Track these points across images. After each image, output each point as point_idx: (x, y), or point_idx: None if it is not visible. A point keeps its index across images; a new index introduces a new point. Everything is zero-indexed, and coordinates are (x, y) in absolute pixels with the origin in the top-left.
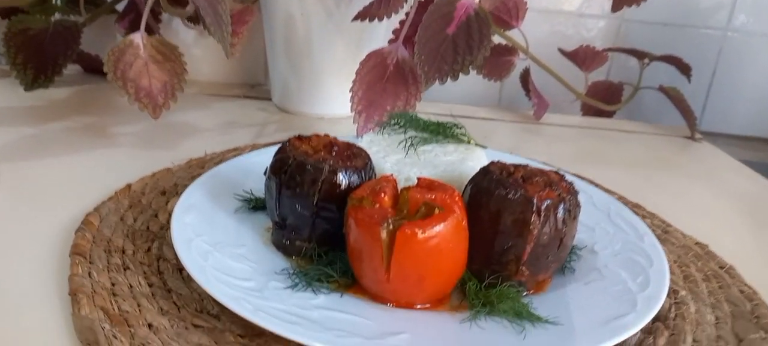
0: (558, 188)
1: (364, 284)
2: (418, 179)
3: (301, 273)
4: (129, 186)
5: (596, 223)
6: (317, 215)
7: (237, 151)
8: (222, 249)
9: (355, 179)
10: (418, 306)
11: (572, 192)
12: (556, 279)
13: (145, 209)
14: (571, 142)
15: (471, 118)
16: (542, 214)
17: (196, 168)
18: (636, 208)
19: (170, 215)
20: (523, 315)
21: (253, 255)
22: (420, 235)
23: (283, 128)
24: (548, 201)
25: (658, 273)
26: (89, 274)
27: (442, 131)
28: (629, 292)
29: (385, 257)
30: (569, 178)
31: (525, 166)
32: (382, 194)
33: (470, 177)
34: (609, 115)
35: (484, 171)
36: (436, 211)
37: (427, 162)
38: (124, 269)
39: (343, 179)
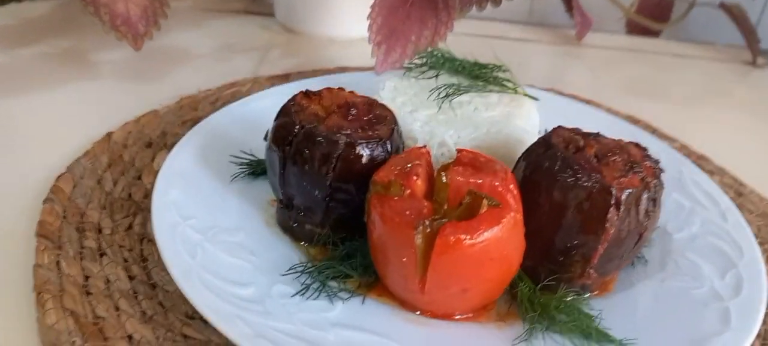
0: (640, 170)
1: (391, 287)
2: (458, 151)
3: (312, 270)
4: (109, 136)
5: (667, 192)
6: (332, 198)
7: (235, 88)
8: (215, 238)
9: (379, 152)
10: (458, 316)
11: (657, 174)
12: (623, 270)
13: (127, 167)
14: (618, 68)
15: (501, 38)
16: (622, 206)
17: (188, 110)
18: (701, 161)
19: (156, 177)
20: (591, 334)
21: (253, 243)
22: (466, 241)
23: (289, 53)
24: (630, 190)
25: (751, 269)
26: (57, 264)
27: (482, 75)
28: (718, 297)
29: (420, 264)
30: (653, 146)
31: (597, 137)
32: (414, 177)
33: (520, 142)
34: (655, 34)
35: (546, 144)
36: (485, 203)
37: (465, 120)
38: (101, 255)
39: (363, 153)
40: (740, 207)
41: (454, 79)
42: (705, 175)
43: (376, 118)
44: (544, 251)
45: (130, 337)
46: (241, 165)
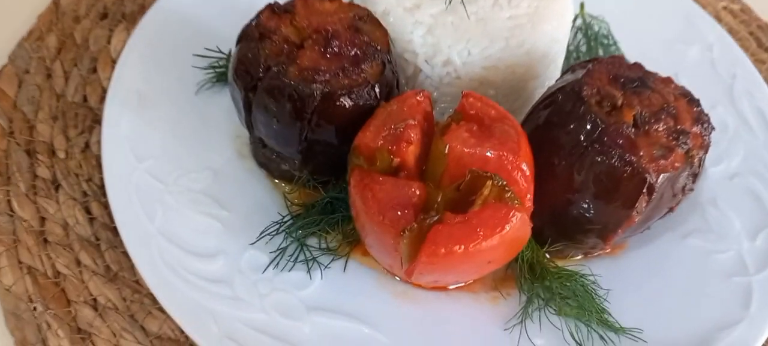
0: (687, 141)
1: (375, 257)
2: (464, 96)
3: (290, 226)
4: (56, 3)
5: (715, 100)
6: (309, 150)
7: None
8: (177, 185)
9: (365, 99)
10: (451, 287)
11: (704, 143)
12: None
13: (81, 52)
14: None
15: None
16: (656, 193)
17: None
18: (763, 32)
19: (114, 66)
20: (591, 318)
21: (223, 188)
22: (459, 250)
23: None
24: (667, 174)
25: None
26: (8, 203)
27: None
28: (743, 268)
29: (406, 259)
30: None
31: (640, 86)
32: (405, 144)
33: (545, 57)
34: None
35: (575, 95)
36: (489, 185)
37: (479, 26)
38: (56, 188)
39: (346, 104)
40: None
41: None
42: (763, 83)
43: (363, 50)
44: (554, 217)
45: (95, 300)
46: (207, 69)
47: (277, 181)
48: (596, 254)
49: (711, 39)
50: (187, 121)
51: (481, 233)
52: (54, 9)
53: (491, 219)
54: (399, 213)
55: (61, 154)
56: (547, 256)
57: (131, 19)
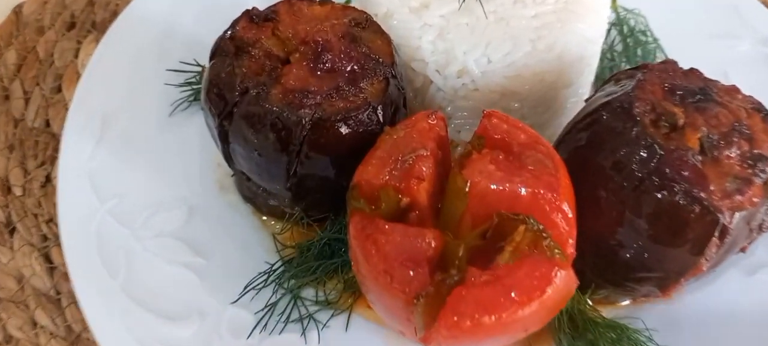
0: (764, 168)
1: (382, 316)
2: (486, 116)
3: (280, 276)
4: (18, 12)
5: None
6: (299, 186)
7: None
8: (146, 227)
9: (366, 124)
10: None
11: None
12: None
13: (44, 68)
14: None
15: None
16: (730, 234)
17: None
18: None
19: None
20: None
21: (200, 229)
22: (489, 321)
23: None
24: (743, 213)
25: None
26: None
27: None
28: None
29: (421, 328)
30: None
31: (701, 103)
32: (415, 180)
33: (580, 60)
34: None
35: (624, 113)
36: (521, 230)
37: (499, 27)
38: (10, 232)
39: (342, 131)
40: None
41: None
42: None
43: (362, 64)
44: (599, 260)
45: None
46: (183, 85)
47: (265, 218)
48: (647, 299)
49: (764, 32)
50: (160, 147)
51: (516, 299)
52: (15, 19)
53: (528, 279)
54: (411, 272)
55: (18, 191)
56: (589, 303)
57: (102, 29)
